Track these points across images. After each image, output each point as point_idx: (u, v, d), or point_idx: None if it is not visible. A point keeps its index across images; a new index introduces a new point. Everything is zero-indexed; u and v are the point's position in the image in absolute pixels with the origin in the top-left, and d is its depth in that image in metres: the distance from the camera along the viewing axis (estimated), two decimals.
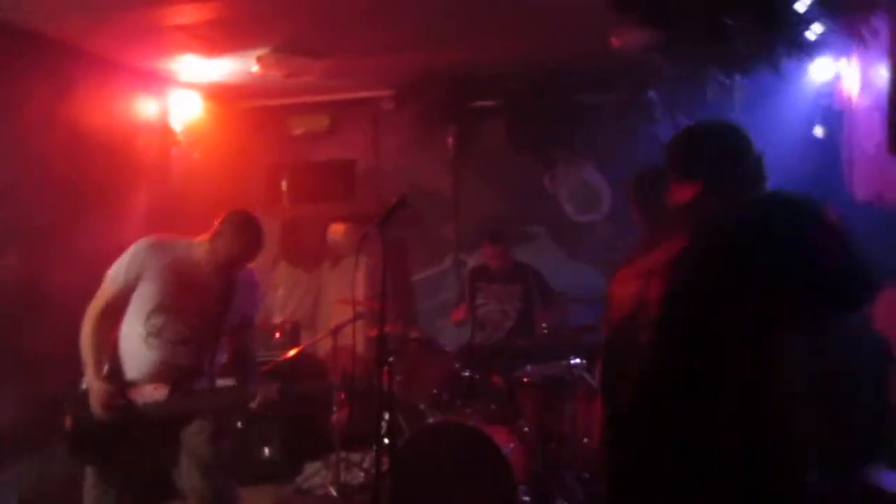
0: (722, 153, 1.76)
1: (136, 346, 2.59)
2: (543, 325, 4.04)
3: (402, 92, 5.13)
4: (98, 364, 2.56)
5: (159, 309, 2.59)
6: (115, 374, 2.59)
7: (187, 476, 2.64)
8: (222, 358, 2.80)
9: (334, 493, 3.87)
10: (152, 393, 2.56)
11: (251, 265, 2.83)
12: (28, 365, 3.50)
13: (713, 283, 1.53)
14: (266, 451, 4.37)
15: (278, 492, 4.09)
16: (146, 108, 4.70)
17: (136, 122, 4.61)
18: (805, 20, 3.46)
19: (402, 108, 5.21)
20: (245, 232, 2.68)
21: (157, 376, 2.58)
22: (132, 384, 2.57)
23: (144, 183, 4.55)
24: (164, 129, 4.84)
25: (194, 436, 2.64)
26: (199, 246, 2.69)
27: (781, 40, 3.54)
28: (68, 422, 2.59)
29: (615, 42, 3.82)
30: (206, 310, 2.66)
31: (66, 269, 3.63)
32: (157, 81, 4.74)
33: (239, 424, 4.34)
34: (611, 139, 4.86)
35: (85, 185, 3.92)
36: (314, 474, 4.25)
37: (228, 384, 2.79)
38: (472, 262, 5.20)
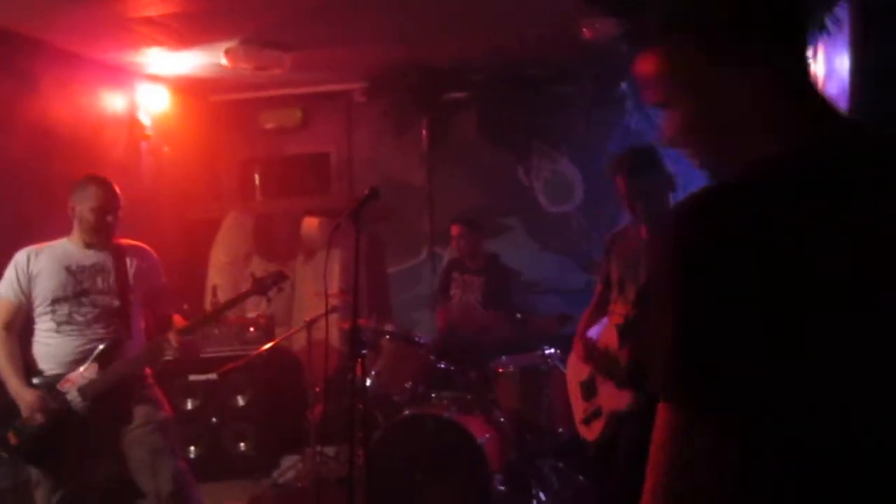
0: None
1: (53, 341, 2.73)
2: (518, 314, 4.07)
3: (374, 84, 5.11)
4: (17, 374, 2.66)
5: (62, 299, 2.74)
6: (38, 378, 2.71)
7: (138, 472, 2.74)
8: (141, 324, 2.95)
9: (310, 487, 3.86)
10: (83, 374, 2.68)
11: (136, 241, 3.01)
12: None
13: None
14: (241, 445, 4.35)
15: (254, 486, 4.08)
16: (114, 102, 4.62)
17: (104, 117, 4.52)
18: None
19: (375, 100, 5.19)
20: (87, 187, 2.82)
21: (82, 359, 2.72)
22: (60, 377, 2.69)
23: (113, 178, 4.45)
24: (132, 124, 4.76)
25: (139, 427, 2.75)
26: (71, 238, 2.86)
27: None
28: (11, 438, 2.64)
29: (587, 33, 3.84)
30: (108, 287, 2.81)
31: None
32: (125, 75, 4.66)
33: (214, 420, 4.31)
34: (583, 131, 4.89)
35: (51, 181, 3.84)
36: (290, 468, 4.24)
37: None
38: (449, 255, 5.21)
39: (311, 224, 5.22)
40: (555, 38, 4.19)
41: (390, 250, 5.45)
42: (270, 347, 3.82)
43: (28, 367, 2.73)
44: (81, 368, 2.70)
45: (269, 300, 2.98)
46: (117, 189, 2.90)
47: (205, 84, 5.08)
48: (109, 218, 2.82)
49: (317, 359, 3.67)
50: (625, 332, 2.41)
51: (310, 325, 3.80)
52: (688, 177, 4.85)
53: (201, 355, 4.22)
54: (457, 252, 4.60)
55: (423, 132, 5.30)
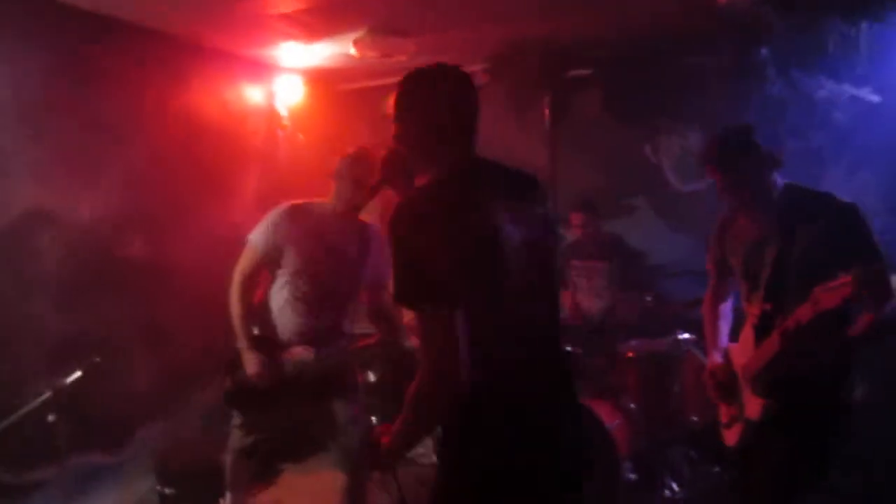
0: None
1: (285, 310, 2.73)
2: (648, 297, 3.93)
3: (494, 65, 5.08)
4: (247, 332, 2.72)
5: (301, 272, 2.71)
6: (266, 338, 2.76)
7: (335, 452, 2.81)
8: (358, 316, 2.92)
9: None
10: (301, 353, 2.70)
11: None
12: (158, 338, 3.81)
13: None
14: (374, 420, 4.55)
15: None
16: (254, 94, 4.93)
17: (245, 109, 4.85)
18: None
19: (496, 81, 5.17)
20: (356, 165, 2.71)
21: (303, 338, 2.73)
22: (283, 346, 2.73)
23: (254, 166, 4.80)
24: (270, 114, 5.07)
25: (339, 428, 2.78)
26: (328, 202, 2.79)
27: None
28: (228, 383, 2.80)
29: None
30: (343, 268, 2.76)
31: (186, 249, 3.92)
32: (263, 69, 4.95)
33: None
34: (718, 103, 4.61)
35: (200, 171, 4.19)
36: (421, 446, 4.38)
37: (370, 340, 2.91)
38: (571, 236, 5.13)
39: None
40: (686, 7, 3.97)
41: None
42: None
43: (261, 324, 2.78)
44: (301, 348, 2.71)
45: None
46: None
47: (335, 74, 5.30)
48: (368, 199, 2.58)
49: None
50: (761, 332, 2.23)
51: None
52: (835, 148, 4.47)
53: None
54: (581, 238, 4.49)
55: (546, 111, 5.22)
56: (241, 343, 2.73)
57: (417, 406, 1.61)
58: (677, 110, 4.83)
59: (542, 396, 1.64)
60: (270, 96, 5.06)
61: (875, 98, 4.13)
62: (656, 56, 4.70)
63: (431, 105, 1.76)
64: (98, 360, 2.64)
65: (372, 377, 4.53)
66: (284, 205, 2.79)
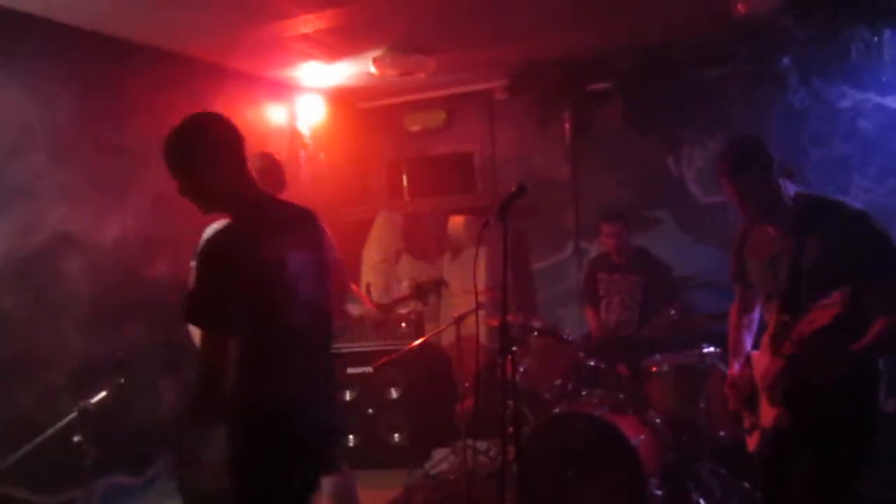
0: None
1: None
2: (672, 311, 3.88)
3: (514, 81, 5.11)
4: None
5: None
6: None
7: None
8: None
9: (462, 479, 3.95)
10: None
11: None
12: (182, 358, 3.85)
13: None
14: (396, 437, 4.53)
15: (408, 476, 4.24)
16: (276, 114, 5.01)
17: (268, 129, 4.93)
18: None
19: (516, 97, 5.19)
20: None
21: None
22: None
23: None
24: (292, 134, 5.14)
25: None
26: None
27: None
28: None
29: (742, 8, 3.58)
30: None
31: None
32: (285, 89, 5.03)
33: (370, 411, 4.54)
34: (740, 113, 4.57)
35: None
36: (442, 461, 4.36)
37: None
38: (593, 250, 5.09)
39: (457, 222, 5.33)
40: (704, 18, 3.95)
41: (535, 246, 5.43)
42: (421, 343, 3.95)
43: None
44: None
45: (425, 304, 3.08)
46: (277, 162, 3.15)
47: (355, 92, 5.36)
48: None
49: (465, 354, 3.74)
50: (777, 342, 2.21)
51: (458, 321, 3.88)
52: (861, 156, 4.37)
53: (358, 349, 4.48)
54: (609, 249, 4.45)
55: (566, 125, 5.22)
56: None
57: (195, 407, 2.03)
58: (699, 121, 4.80)
59: (308, 403, 1.97)
60: (292, 116, 5.13)
61: None
62: (676, 67, 4.68)
63: (207, 154, 1.93)
64: (123, 380, 2.67)
65: (394, 394, 4.54)
66: (212, 225, 3.04)
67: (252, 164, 3.03)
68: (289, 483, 1.92)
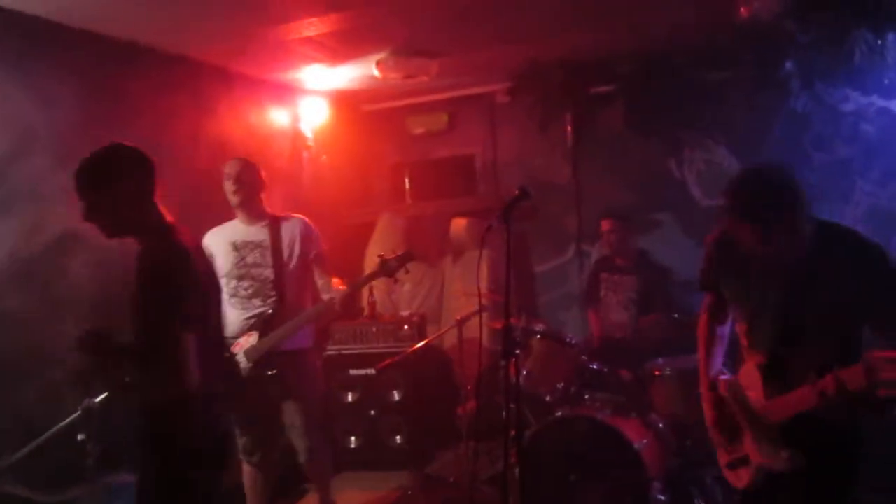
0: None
1: (227, 309, 3.17)
2: (675, 314, 3.88)
3: (516, 84, 5.12)
4: None
5: (229, 274, 3.18)
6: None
7: (290, 418, 3.24)
8: (302, 292, 3.30)
9: (463, 482, 3.95)
10: (247, 340, 3.14)
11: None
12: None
13: None
14: (397, 438, 4.54)
15: (410, 478, 4.24)
16: (279, 117, 5.02)
17: (272, 131, 4.93)
18: None
19: (518, 99, 5.20)
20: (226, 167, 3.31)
21: (245, 328, 3.16)
22: (231, 340, 3.16)
23: (280, 187, 4.86)
24: (295, 136, 5.15)
25: (290, 402, 3.22)
26: (237, 217, 3.32)
27: None
28: None
29: (744, 12, 3.59)
30: (264, 261, 3.18)
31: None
32: (288, 91, 5.04)
33: (372, 413, 4.54)
34: (742, 117, 4.57)
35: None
36: (444, 463, 4.36)
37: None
38: (594, 253, 5.09)
39: (459, 225, 5.33)
40: (706, 22, 3.96)
41: (536, 249, 5.43)
42: (423, 345, 3.95)
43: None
44: (244, 336, 3.14)
45: (395, 281, 3.20)
46: (253, 165, 3.30)
47: (358, 95, 5.37)
48: (240, 191, 3.21)
49: (467, 356, 3.74)
50: (770, 375, 2.05)
51: (460, 323, 3.89)
52: (864, 159, 4.37)
53: (360, 351, 4.49)
54: (607, 248, 4.48)
55: (568, 128, 5.23)
56: None
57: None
58: (701, 124, 4.81)
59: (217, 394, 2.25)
60: (295, 118, 5.14)
61: None
62: (678, 70, 4.69)
63: (121, 181, 2.16)
64: (127, 379, 2.67)
65: (396, 396, 4.54)
66: (212, 230, 3.34)
67: (227, 170, 3.27)
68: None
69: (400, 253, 3.20)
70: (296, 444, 3.28)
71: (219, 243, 3.27)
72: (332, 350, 4.61)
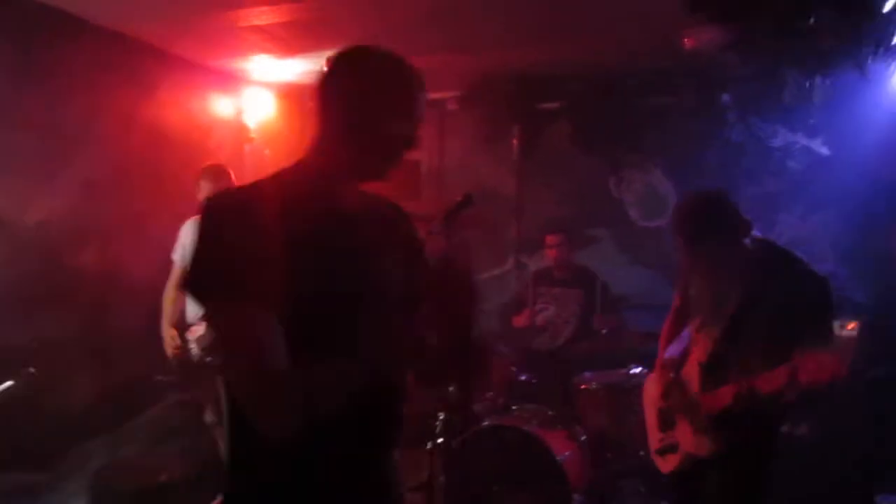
0: None
1: (189, 300, 3.31)
2: (603, 329, 3.96)
3: (466, 93, 5.14)
4: (168, 321, 3.53)
5: None
6: (181, 322, 3.53)
7: None
8: None
9: None
10: (198, 329, 3.42)
11: None
12: (106, 352, 3.68)
13: None
14: None
15: None
16: (221, 106, 4.87)
17: (212, 120, 4.79)
18: (892, 21, 3.28)
19: (467, 109, 5.22)
20: (205, 176, 3.55)
21: (201, 316, 3.30)
22: (190, 326, 3.44)
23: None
24: (238, 127, 5.01)
25: None
26: None
27: (867, 40, 3.37)
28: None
29: (688, 43, 3.71)
30: None
31: (140, 262, 3.81)
32: (233, 81, 4.91)
33: None
34: (680, 143, 4.73)
35: (160, 182, 4.10)
36: None
37: None
38: (534, 265, 5.15)
39: None
40: (654, 48, 4.08)
41: (476, 258, 5.43)
42: None
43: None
44: (198, 325, 3.38)
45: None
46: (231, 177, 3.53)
47: (306, 90, 5.24)
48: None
49: None
50: (708, 372, 2.25)
51: None
52: (789, 194, 4.56)
53: None
54: (551, 262, 4.51)
55: (514, 141, 5.29)
56: (163, 327, 3.52)
57: None
58: (641, 147, 4.94)
59: None
60: (238, 109, 5.00)
61: (825, 151, 4.29)
62: (624, 93, 4.81)
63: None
64: (33, 370, 2.53)
65: None
66: (190, 219, 3.44)
67: (204, 176, 3.45)
68: None
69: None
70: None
71: (190, 234, 3.41)
72: None
